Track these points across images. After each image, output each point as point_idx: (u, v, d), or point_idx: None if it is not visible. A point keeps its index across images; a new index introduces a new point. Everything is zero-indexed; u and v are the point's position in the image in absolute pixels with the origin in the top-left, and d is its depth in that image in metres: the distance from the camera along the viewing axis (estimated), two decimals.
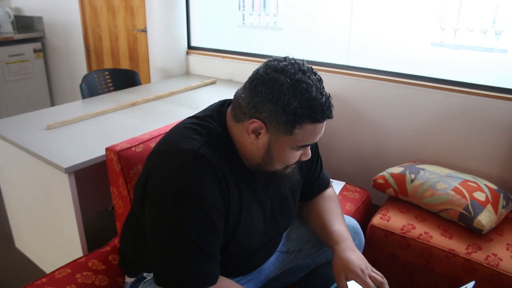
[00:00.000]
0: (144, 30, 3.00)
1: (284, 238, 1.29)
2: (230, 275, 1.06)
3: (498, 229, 1.58)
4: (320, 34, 2.38)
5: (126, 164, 1.28)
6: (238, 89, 0.95)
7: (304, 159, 0.99)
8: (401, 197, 1.74)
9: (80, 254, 1.60)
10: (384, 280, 1.02)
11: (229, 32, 2.81)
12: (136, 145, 1.32)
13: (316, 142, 1.03)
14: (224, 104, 1.02)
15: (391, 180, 1.76)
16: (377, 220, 1.66)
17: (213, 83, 2.67)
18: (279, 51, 2.57)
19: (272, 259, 1.25)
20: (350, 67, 2.27)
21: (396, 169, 1.80)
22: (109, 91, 2.60)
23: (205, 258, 0.89)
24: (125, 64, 3.33)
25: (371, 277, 1.01)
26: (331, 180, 1.31)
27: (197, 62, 2.91)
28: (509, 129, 1.85)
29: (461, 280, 1.47)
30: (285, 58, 0.92)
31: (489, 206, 1.54)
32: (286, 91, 0.86)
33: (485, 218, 1.50)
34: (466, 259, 1.45)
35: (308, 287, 1.31)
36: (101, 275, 1.26)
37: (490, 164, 1.94)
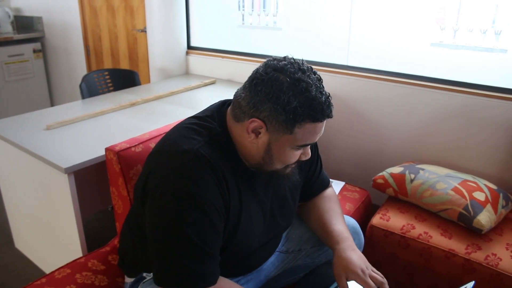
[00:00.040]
0: (144, 30, 3.00)
1: (284, 238, 1.29)
2: (230, 275, 1.06)
3: (497, 229, 1.58)
4: (320, 34, 2.38)
5: (125, 164, 1.28)
6: (238, 89, 0.95)
7: (304, 158, 0.99)
8: (400, 197, 1.74)
9: (80, 254, 1.60)
10: (384, 280, 1.02)
11: (229, 32, 2.81)
12: (135, 145, 1.32)
13: (316, 142, 1.03)
14: (224, 104, 1.02)
15: (390, 180, 1.76)
16: (376, 220, 1.66)
17: (212, 83, 2.67)
18: (279, 51, 2.57)
19: (272, 259, 1.25)
20: (350, 67, 2.27)
21: (396, 169, 1.80)
22: (109, 91, 2.60)
23: (205, 258, 0.89)
24: (124, 64, 3.33)
25: (372, 277, 1.01)
26: (330, 180, 1.31)
27: (196, 62, 2.91)
28: (509, 129, 1.85)
29: (460, 280, 1.47)
30: (284, 57, 0.92)
31: (488, 206, 1.55)
32: (286, 90, 0.86)
33: (485, 218, 1.50)
34: (465, 259, 1.45)
35: (308, 287, 1.31)
36: (101, 275, 1.26)
37: (489, 164, 1.94)
